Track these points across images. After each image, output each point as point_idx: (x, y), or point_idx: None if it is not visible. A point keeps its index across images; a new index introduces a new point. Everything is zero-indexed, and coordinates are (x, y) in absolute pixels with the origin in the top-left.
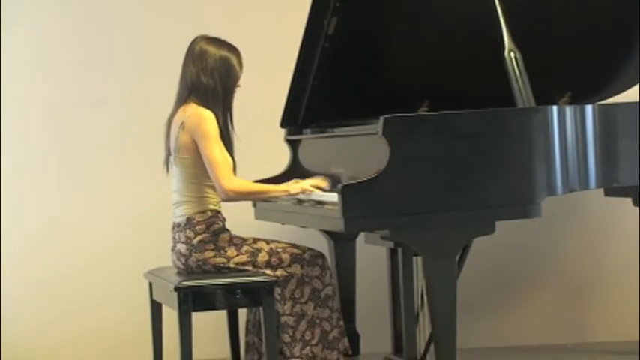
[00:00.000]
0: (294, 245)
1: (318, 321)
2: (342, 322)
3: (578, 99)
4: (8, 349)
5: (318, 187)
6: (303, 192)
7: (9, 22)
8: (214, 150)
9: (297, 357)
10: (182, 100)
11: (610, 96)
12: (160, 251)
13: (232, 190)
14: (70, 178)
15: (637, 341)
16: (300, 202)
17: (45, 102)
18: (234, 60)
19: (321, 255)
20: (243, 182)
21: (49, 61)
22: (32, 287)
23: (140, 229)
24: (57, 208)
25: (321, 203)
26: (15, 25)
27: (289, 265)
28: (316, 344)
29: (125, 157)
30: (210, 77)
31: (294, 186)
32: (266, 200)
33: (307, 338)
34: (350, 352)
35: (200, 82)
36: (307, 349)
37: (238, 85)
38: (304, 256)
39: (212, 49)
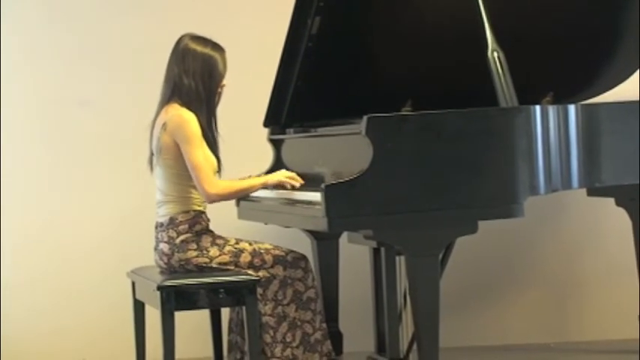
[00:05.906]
0: (277, 247)
1: (299, 323)
2: (325, 325)
3: (562, 98)
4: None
5: (291, 180)
6: (278, 183)
7: None
8: (196, 154)
9: (278, 358)
10: (166, 100)
11: (595, 95)
12: (144, 249)
13: (215, 194)
14: (54, 177)
15: (619, 340)
16: (287, 202)
17: (30, 101)
18: (217, 59)
19: (304, 257)
20: (225, 184)
21: (36, 60)
22: (19, 283)
23: (124, 228)
24: (42, 207)
25: (304, 203)
26: (3, 26)
27: (272, 267)
28: (297, 346)
29: (110, 156)
30: (192, 78)
31: (271, 177)
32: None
33: (288, 340)
34: (333, 356)
35: (182, 83)
36: (288, 351)
37: (223, 85)
38: (287, 258)
39: (195, 49)
